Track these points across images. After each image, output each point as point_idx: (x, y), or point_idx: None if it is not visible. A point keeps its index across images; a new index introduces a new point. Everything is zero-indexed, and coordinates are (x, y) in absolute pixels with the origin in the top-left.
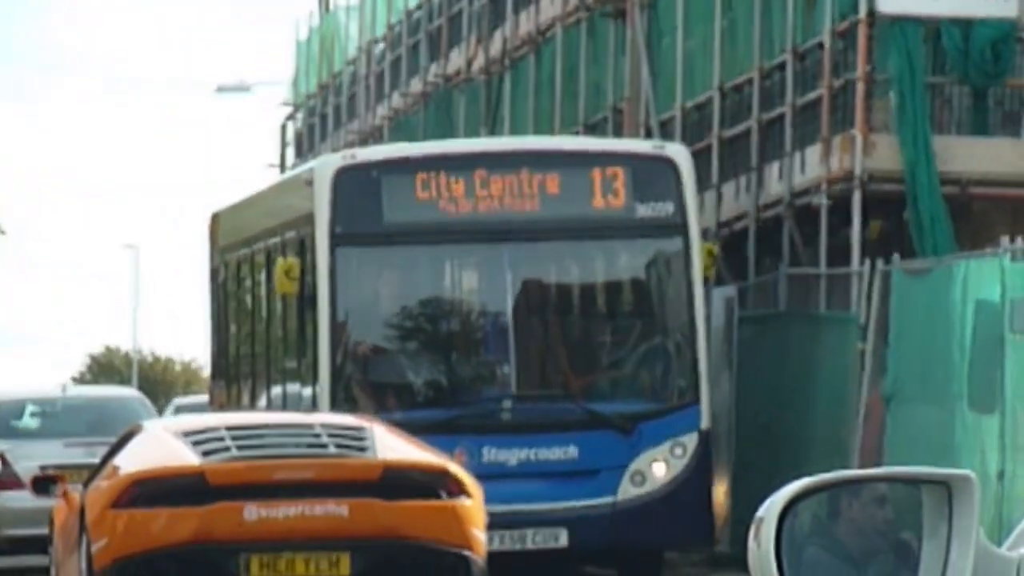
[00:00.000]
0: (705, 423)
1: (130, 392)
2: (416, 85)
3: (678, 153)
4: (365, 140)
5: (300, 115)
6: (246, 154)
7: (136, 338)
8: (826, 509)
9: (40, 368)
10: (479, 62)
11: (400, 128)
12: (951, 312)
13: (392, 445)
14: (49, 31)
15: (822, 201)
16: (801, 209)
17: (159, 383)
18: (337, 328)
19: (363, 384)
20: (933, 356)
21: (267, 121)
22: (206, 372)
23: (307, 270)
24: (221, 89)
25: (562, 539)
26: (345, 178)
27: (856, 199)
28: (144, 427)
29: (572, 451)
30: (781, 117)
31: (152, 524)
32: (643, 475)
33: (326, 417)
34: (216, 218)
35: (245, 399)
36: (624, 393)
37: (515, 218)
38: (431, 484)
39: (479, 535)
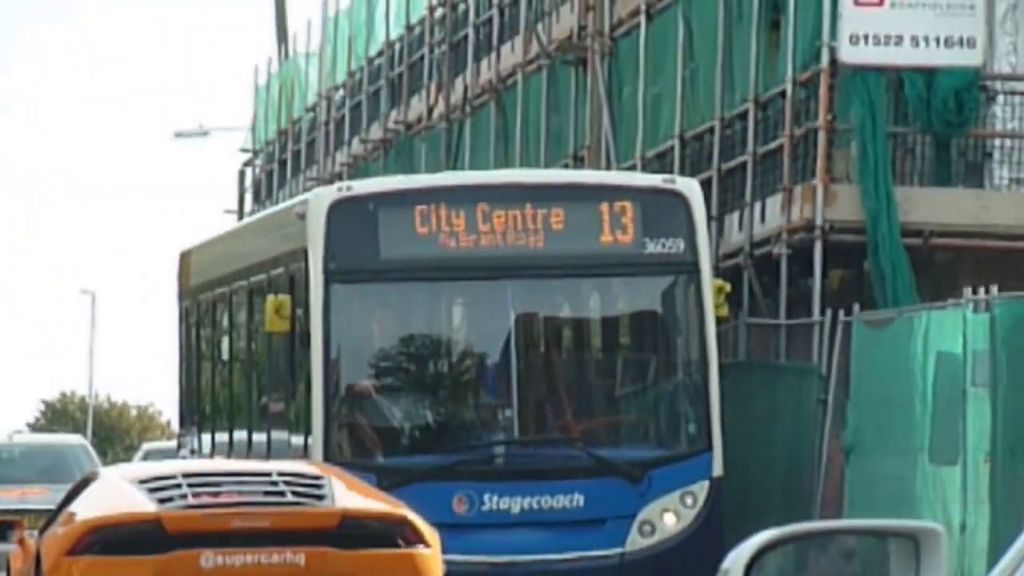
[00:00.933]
0: (717, 471)
1: (74, 439)
2: (376, 131)
3: (688, 187)
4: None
5: (259, 161)
6: (204, 200)
7: (92, 383)
8: (793, 562)
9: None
10: (440, 109)
11: (359, 175)
12: (912, 364)
13: (350, 494)
14: (11, 70)
15: (782, 251)
16: (761, 258)
17: (114, 428)
18: (331, 369)
19: (358, 428)
20: (894, 407)
21: (225, 167)
22: (163, 417)
23: (298, 308)
24: (179, 134)
25: None
26: (340, 211)
27: (817, 249)
28: (100, 474)
29: (578, 499)
30: (742, 166)
31: (108, 572)
32: (652, 525)
33: (283, 465)
34: (186, 256)
35: (221, 446)
36: (632, 438)
37: (518, 254)
38: (389, 533)
39: None
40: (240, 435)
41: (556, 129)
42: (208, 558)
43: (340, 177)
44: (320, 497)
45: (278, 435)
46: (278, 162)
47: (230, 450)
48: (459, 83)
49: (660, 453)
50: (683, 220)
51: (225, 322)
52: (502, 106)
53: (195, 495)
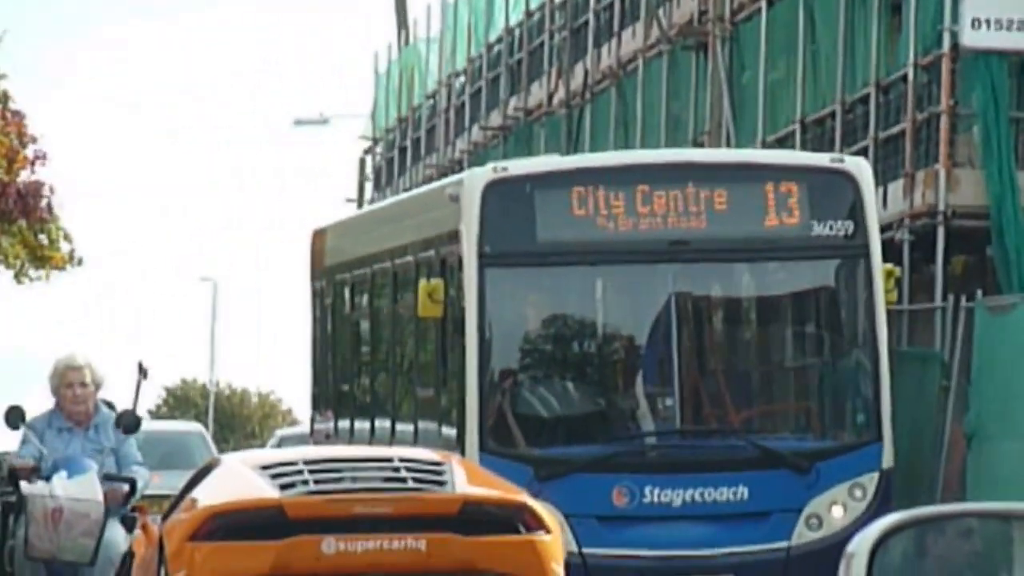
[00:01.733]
0: (887, 462)
1: (193, 426)
2: (496, 118)
3: (858, 167)
4: (444, 174)
5: (379, 148)
6: (324, 188)
7: (213, 370)
8: (914, 545)
9: (116, 401)
10: (560, 95)
11: (479, 163)
12: None
13: (470, 480)
14: (131, 63)
15: (905, 236)
16: (884, 244)
17: (236, 416)
18: (485, 356)
19: (514, 417)
20: (1017, 393)
21: (346, 155)
22: (284, 404)
23: (451, 292)
24: (299, 122)
25: None
26: (495, 193)
27: (940, 234)
28: (222, 460)
29: (742, 491)
30: (864, 151)
31: (230, 557)
32: (820, 519)
33: (404, 451)
34: (320, 235)
35: (361, 433)
36: (799, 429)
37: (680, 237)
38: (510, 519)
39: (558, 570)
40: (383, 423)
41: (676, 115)
42: (330, 544)
43: (460, 165)
44: (441, 483)
45: (426, 424)
46: (398, 149)
47: (371, 437)
48: (579, 69)
49: (828, 444)
50: (852, 201)
51: (365, 304)
52: (622, 92)
53: (316, 481)
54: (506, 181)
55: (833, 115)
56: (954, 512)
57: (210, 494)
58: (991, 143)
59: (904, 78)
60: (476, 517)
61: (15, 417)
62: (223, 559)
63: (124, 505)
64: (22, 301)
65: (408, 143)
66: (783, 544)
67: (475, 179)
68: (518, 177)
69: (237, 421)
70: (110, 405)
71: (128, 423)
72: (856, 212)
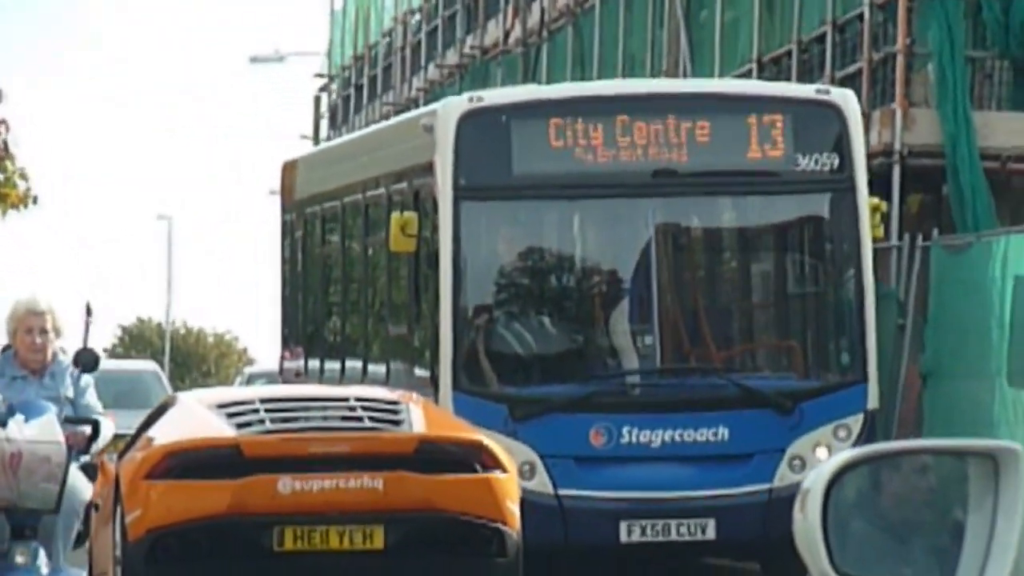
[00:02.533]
0: (872, 403)
1: (148, 365)
2: (452, 57)
3: (844, 98)
4: (400, 112)
5: (335, 86)
6: (280, 126)
7: (169, 309)
8: (868, 482)
9: (71, 340)
10: (516, 34)
11: (435, 101)
12: (991, 287)
13: (427, 419)
14: (88, 2)
15: None
16: None
17: (191, 355)
18: (460, 293)
19: (489, 356)
20: (972, 331)
21: (301, 92)
22: (240, 344)
23: (424, 226)
24: (255, 59)
25: (710, 531)
26: (471, 124)
27: (895, 173)
28: (178, 399)
29: (723, 432)
30: None
31: (186, 496)
32: (803, 460)
33: (361, 390)
34: (290, 167)
35: (331, 372)
36: (782, 368)
37: (661, 169)
38: (466, 458)
39: (514, 509)
40: (354, 362)
41: (633, 53)
42: (286, 483)
43: (416, 104)
44: (397, 423)
45: (398, 363)
46: (354, 87)
47: (342, 376)
48: (536, 7)
49: (812, 383)
50: (838, 134)
51: (336, 238)
52: (579, 30)
53: (273, 420)
54: (482, 111)
55: (789, 54)
56: (909, 448)
57: (166, 433)
58: (946, 83)
59: (860, 17)
60: (432, 456)
61: None
62: (179, 497)
63: (86, 451)
64: None
65: (364, 81)
66: (765, 486)
67: (450, 109)
68: (494, 107)
69: (193, 360)
70: (63, 351)
71: (86, 361)
72: (842, 145)
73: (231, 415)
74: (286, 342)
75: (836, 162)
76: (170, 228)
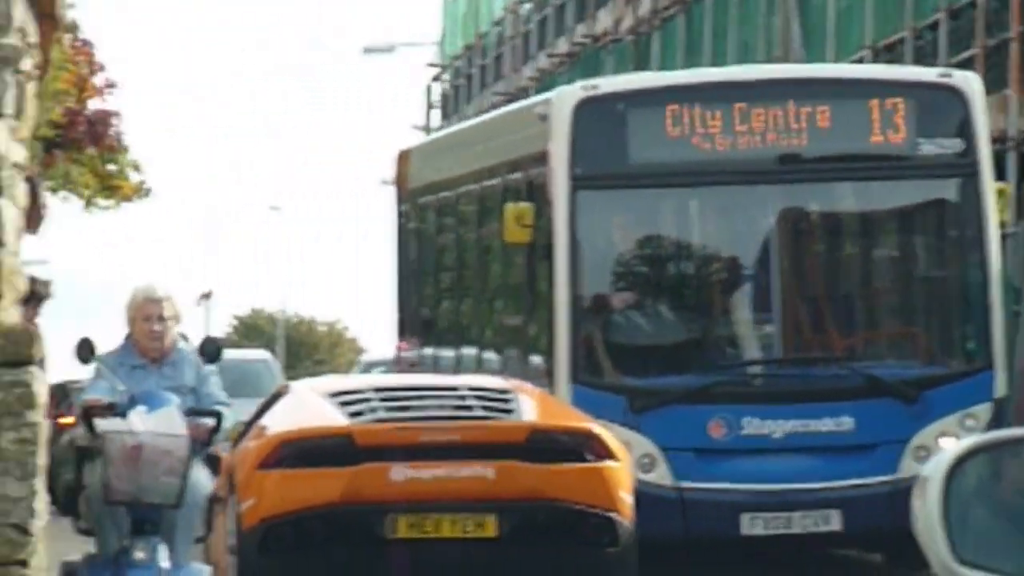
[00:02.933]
0: (1000, 391)
1: (261, 354)
2: (563, 46)
3: (967, 81)
4: (510, 102)
5: (446, 76)
6: (391, 116)
7: (283, 299)
8: (990, 471)
9: (188, 330)
10: (627, 22)
11: (545, 90)
12: None
13: (538, 408)
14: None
15: None
16: None
17: (304, 344)
18: (576, 283)
19: (606, 347)
20: None
21: (413, 83)
22: (351, 333)
23: (540, 216)
24: (368, 50)
25: (834, 522)
26: (586, 112)
27: (1010, 160)
28: (292, 388)
29: (847, 422)
30: None
31: (299, 485)
32: (928, 451)
33: (472, 379)
34: (406, 156)
35: (446, 361)
36: (907, 356)
37: (781, 155)
38: (577, 447)
39: (626, 498)
40: (468, 351)
41: (745, 40)
42: (398, 471)
43: (526, 93)
44: (508, 411)
45: (513, 353)
46: (465, 77)
47: (457, 366)
48: None
49: (938, 372)
50: (961, 117)
51: (451, 228)
52: (691, 18)
53: (386, 409)
54: (597, 99)
55: (903, 41)
56: None
57: (279, 422)
58: None
59: (973, 3)
60: (544, 445)
61: (86, 350)
62: (292, 486)
63: (208, 443)
64: (91, 230)
65: (475, 70)
66: (889, 477)
67: (565, 97)
68: (610, 95)
69: (304, 350)
70: (186, 339)
71: (210, 349)
72: (966, 128)
73: (344, 404)
74: (401, 331)
75: (960, 146)
76: (282, 219)
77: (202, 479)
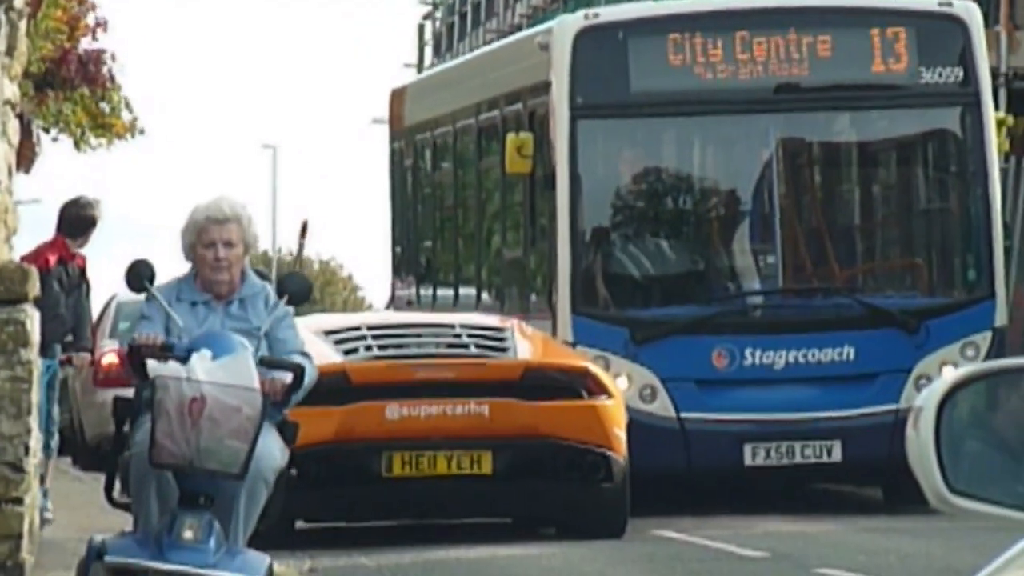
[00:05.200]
0: (1001, 320)
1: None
2: None
3: (968, 10)
4: (504, 39)
5: (438, 14)
6: (383, 54)
7: (275, 238)
8: (984, 400)
9: (178, 268)
10: None
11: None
12: None
13: (533, 346)
14: None
15: None
16: None
17: None
18: (578, 213)
19: (608, 278)
20: None
21: (405, 21)
22: (344, 271)
23: (541, 147)
24: None
25: (836, 453)
26: (587, 40)
27: (1001, 96)
28: None
29: (848, 352)
30: None
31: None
32: (930, 380)
33: (466, 317)
34: (399, 94)
35: (443, 299)
36: (908, 286)
37: (782, 84)
38: (571, 384)
39: (620, 434)
40: (467, 288)
41: None
42: (393, 409)
43: (519, 29)
44: (503, 349)
45: (514, 288)
46: (458, 15)
47: (455, 304)
48: None
49: (939, 301)
50: (962, 47)
51: (448, 164)
52: None
53: (380, 347)
54: (598, 28)
55: None
56: (1022, 365)
57: None
58: None
59: None
60: (538, 382)
61: (141, 274)
62: None
63: (284, 404)
64: (83, 168)
65: (468, 8)
66: (892, 407)
67: (566, 26)
68: (611, 24)
69: None
70: (263, 275)
71: (296, 288)
72: (966, 58)
73: (338, 341)
74: (397, 270)
75: (961, 75)
76: (275, 157)
77: (273, 448)
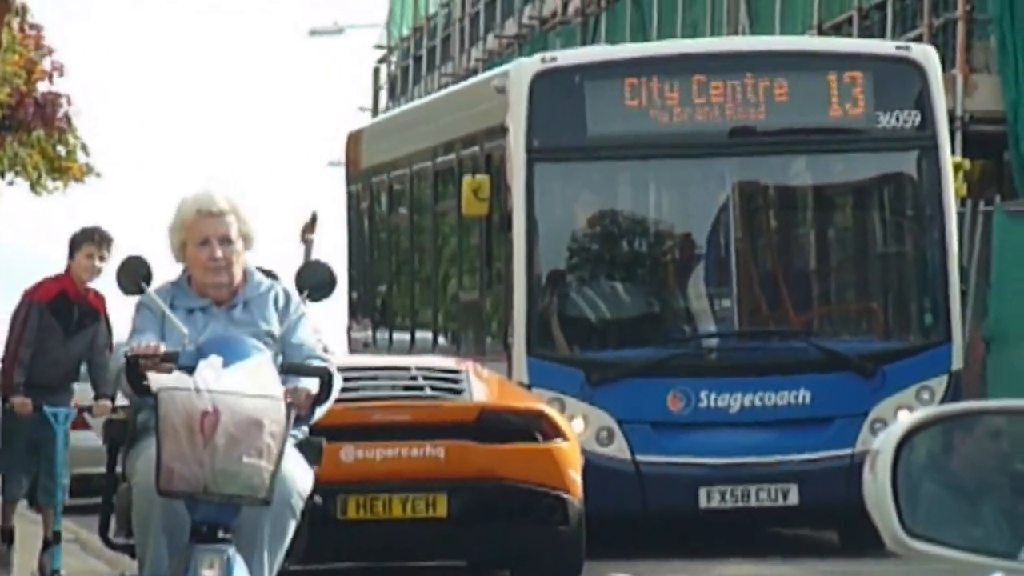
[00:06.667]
0: (956, 364)
1: None
2: (511, 27)
3: (926, 55)
4: (459, 83)
5: (394, 58)
6: (338, 98)
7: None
8: (940, 444)
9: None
10: (575, 4)
11: None
12: None
13: (488, 388)
14: None
15: None
16: None
17: None
18: (534, 256)
19: (564, 320)
20: None
21: (360, 64)
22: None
23: (497, 190)
24: (314, 32)
25: (792, 496)
26: (544, 84)
27: (957, 139)
28: None
29: (804, 396)
30: None
31: None
32: (886, 424)
33: (422, 360)
34: (355, 137)
35: (399, 342)
36: (864, 330)
37: (738, 128)
38: (527, 427)
39: (575, 477)
40: (423, 332)
41: (692, 23)
42: (348, 452)
43: (475, 74)
44: (458, 391)
45: (469, 330)
46: (413, 59)
47: (411, 346)
48: None
49: (894, 345)
50: (919, 91)
51: (404, 206)
52: (638, 0)
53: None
54: (555, 71)
55: (850, 20)
56: (980, 409)
57: None
58: (1007, 49)
59: None
60: (493, 425)
61: (137, 273)
62: None
63: (308, 417)
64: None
65: (423, 52)
66: (847, 451)
67: (522, 69)
68: (568, 67)
69: None
70: (270, 274)
71: (315, 280)
72: (923, 102)
73: None
74: (353, 313)
75: (918, 119)
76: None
77: (297, 469)
